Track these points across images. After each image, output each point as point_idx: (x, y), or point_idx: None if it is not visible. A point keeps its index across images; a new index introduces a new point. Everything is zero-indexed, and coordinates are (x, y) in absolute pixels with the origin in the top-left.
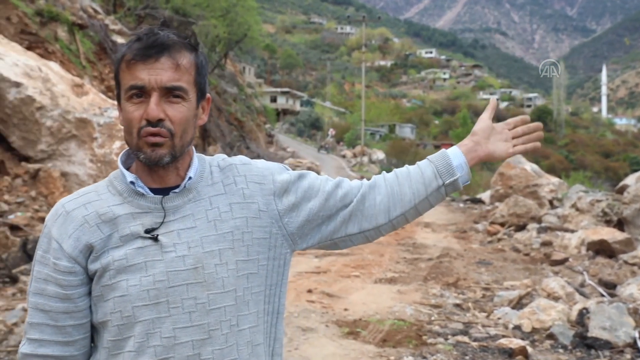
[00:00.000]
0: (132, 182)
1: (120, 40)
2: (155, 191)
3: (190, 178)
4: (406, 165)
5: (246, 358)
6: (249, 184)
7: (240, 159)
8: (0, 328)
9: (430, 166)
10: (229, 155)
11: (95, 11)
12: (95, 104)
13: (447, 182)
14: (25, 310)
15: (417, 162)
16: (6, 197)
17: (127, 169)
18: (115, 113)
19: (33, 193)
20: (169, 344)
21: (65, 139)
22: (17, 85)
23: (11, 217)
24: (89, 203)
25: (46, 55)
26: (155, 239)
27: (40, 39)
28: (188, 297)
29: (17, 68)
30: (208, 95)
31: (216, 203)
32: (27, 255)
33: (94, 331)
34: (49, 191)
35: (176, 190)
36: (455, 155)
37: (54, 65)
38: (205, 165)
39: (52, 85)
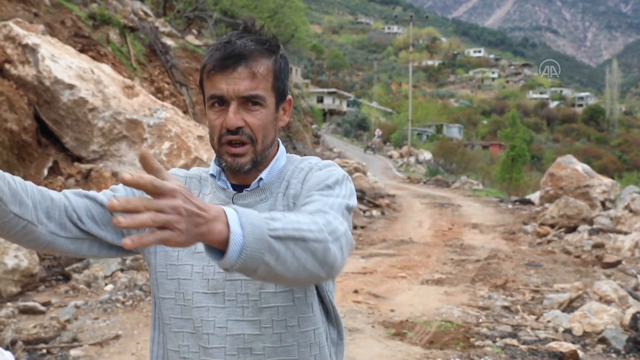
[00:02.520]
0: (212, 175)
1: (169, 42)
2: (235, 187)
3: (261, 179)
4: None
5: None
6: (297, 185)
7: (307, 158)
8: (53, 324)
9: None
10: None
11: (146, 14)
12: (145, 105)
13: None
14: (78, 307)
15: None
16: None
17: None
18: (164, 114)
19: None
20: (222, 334)
21: (116, 140)
22: (71, 87)
23: None
24: (190, 178)
25: (98, 57)
26: None
27: (93, 42)
28: (242, 292)
29: (70, 70)
30: (289, 96)
31: (278, 205)
32: None
33: (155, 305)
34: (100, 191)
35: (248, 188)
36: None
37: (106, 67)
38: (289, 165)
39: (104, 87)
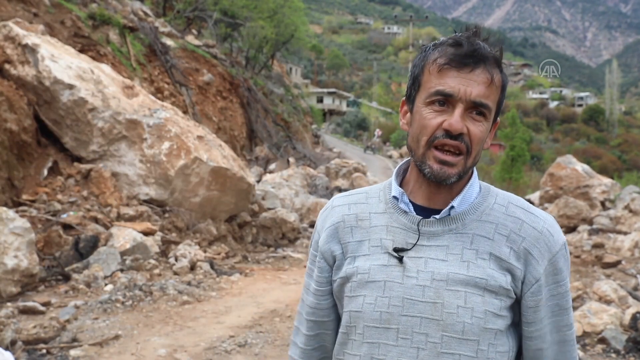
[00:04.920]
0: (394, 197)
1: (169, 42)
2: (419, 209)
3: (452, 207)
4: None
5: None
6: (520, 250)
7: (536, 220)
8: (53, 325)
9: None
10: (276, 156)
11: (146, 14)
12: (145, 106)
13: None
14: (77, 307)
15: None
16: (59, 196)
17: (403, 178)
18: (164, 114)
19: (85, 193)
20: None
21: (116, 140)
22: (71, 87)
23: (64, 216)
24: (354, 204)
25: (98, 57)
26: (400, 259)
27: (93, 42)
28: (420, 331)
29: (70, 70)
30: (498, 119)
31: (477, 245)
32: (79, 253)
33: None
34: (100, 191)
35: (437, 216)
36: None
37: (106, 68)
38: (488, 197)
39: (104, 87)
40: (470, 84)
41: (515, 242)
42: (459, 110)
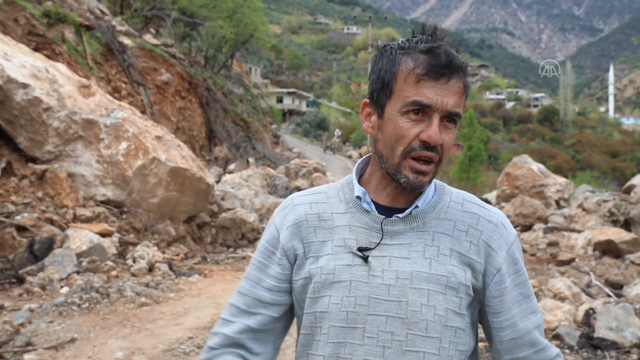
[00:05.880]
0: (358, 197)
1: (127, 41)
2: (380, 208)
3: (417, 207)
4: None
5: None
6: (480, 243)
7: (491, 214)
8: (7, 328)
9: None
10: (235, 156)
11: (102, 12)
12: (102, 105)
13: None
14: (32, 310)
15: None
16: (13, 197)
17: (361, 175)
18: (122, 114)
19: (40, 194)
20: None
21: (72, 140)
22: (25, 86)
23: (18, 217)
24: (315, 203)
25: (53, 56)
26: (365, 259)
27: (48, 40)
28: (385, 330)
29: (24, 69)
30: None
31: (439, 241)
32: (34, 256)
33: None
34: (55, 192)
35: (400, 215)
36: None
37: (61, 67)
38: (444, 196)
39: (59, 86)
40: (446, 95)
41: (475, 236)
42: (436, 120)
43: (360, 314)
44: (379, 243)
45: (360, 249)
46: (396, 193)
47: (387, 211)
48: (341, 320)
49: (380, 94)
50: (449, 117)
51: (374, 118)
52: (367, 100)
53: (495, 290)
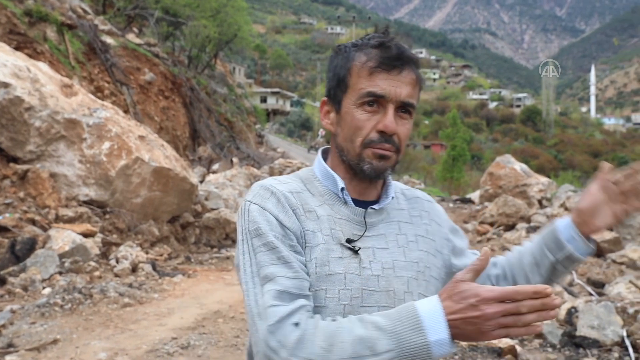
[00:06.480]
0: (342, 189)
1: (109, 40)
2: (354, 201)
3: (393, 198)
4: (523, 244)
5: None
6: (431, 222)
7: (424, 194)
8: None
9: (540, 243)
10: (219, 156)
11: (85, 11)
12: (84, 105)
13: (559, 257)
14: (13, 312)
15: (533, 238)
16: None
17: None
18: (104, 114)
19: (21, 194)
20: None
21: (54, 140)
22: (6, 85)
23: None
24: (296, 192)
25: (35, 55)
26: (356, 251)
27: (29, 39)
28: None
29: (5, 68)
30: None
31: (405, 230)
32: (15, 256)
33: None
34: (37, 192)
35: (375, 206)
36: (565, 227)
37: (43, 66)
38: (391, 187)
39: (41, 85)
40: (399, 85)
41: (426, 218)
42: (391, 110)
43: (355, 306)
44: (362, 235)
45: (349, 241)
46: (363, 187)
47: (359, 204)
48: (338, 314)
49: (337, 90)
50: (403, 108)
51: (332, 115)
52: (325, 98)
53: (454, 256)
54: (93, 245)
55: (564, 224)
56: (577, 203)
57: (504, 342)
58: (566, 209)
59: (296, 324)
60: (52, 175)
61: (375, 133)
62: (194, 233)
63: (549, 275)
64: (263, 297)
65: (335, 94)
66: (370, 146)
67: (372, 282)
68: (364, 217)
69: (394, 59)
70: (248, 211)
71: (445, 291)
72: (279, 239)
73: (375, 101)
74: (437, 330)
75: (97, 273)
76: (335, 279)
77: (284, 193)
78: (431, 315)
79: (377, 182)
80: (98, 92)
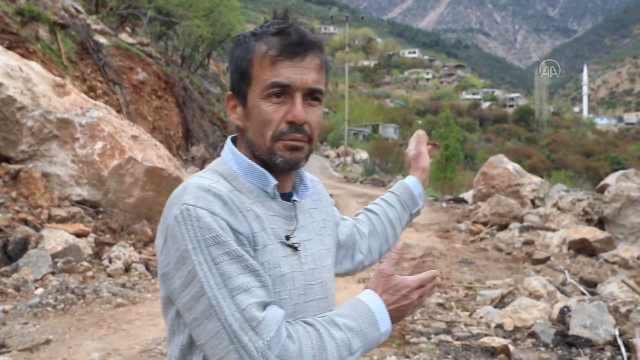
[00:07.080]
0: (275, 186)
1: (102, 40)
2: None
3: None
4: (379, 201)
5: None
6: (327, 203)
7: (313, 177)
8: None
9: (398, 200)
10: (212, 156)
11: (77, 11)
12: (77, 104)
13: (413, 212)
14: (6, 312)
15: (386, 196)
16: None
17: None
18: (97, 113)
19: (14, 194)
20: None
21: (47, 140)
22: None
23: None
24: (232, 192)
25: (27, 55)
26: (295, 248)
27: (21, 39)
28: (317, 313)
29: None
30: None
31: (315, 216)
32: (8, 256)
33: None
34: (29, 192)
35: (297, 198)
36: (415, 185)
37: (35, 65)
38: (308, 176)
39: (33, 85)
40: (304, 72)
41: (324, 200)
42: (299, 99)
43: (301, 303)
44: (294, 229)
45: (287, 238)
46: (282, 179)
47: (284, 197)
48: (289, 315)
49: (241, 83)
50: (312, 95)
51: (239, 109)
52: (229, 93)
53: (337, 229)
54: (86, 245)
55: (412, 182)
56: (408, 157)
57: (497, 342)
58: (559, 208)
59: (289, 336)
60: (45, 175)
61: (285, 124)
62: None
63: (405, 225)
64: (244, 311)
65: (240, 87)
66: (281, 139)
67: (310, 276)
68: (294, 212)
69: (296, 45)
70: (197, 216)
71: (378, 285)
72: (240, 247)
73: (282, 91)
74: (384, 322)
75: (90, 273)
76: (285, 280)
77: (227, 194)
78: (378, 310)
79: (292, 173)
80: (91, 91)
